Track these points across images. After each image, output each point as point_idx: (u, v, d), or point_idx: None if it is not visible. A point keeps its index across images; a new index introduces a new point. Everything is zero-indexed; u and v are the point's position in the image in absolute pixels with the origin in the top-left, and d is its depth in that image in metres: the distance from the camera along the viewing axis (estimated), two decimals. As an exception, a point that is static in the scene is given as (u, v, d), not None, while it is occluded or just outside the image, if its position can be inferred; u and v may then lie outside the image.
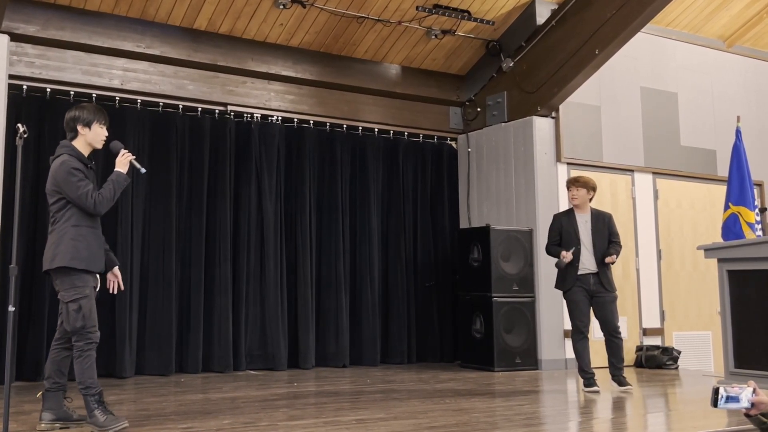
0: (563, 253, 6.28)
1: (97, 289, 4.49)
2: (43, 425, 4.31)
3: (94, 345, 4.29)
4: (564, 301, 6.54)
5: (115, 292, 4.70)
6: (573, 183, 6.53)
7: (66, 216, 4.33)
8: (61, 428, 4.33)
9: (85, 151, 4.49)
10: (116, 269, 4.69)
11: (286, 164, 8.09)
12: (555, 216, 6.69)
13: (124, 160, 4.48)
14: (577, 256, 6.31)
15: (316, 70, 8.15)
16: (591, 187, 6.50)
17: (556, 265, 6.41)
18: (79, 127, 4.45)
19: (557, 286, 6.53)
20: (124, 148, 4.54)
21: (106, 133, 4.54)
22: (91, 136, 4.47)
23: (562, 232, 6.45)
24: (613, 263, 6.34)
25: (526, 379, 7.12)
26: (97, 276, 4.46)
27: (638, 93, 8.98)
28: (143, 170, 4.52)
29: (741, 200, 7.73)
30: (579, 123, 8.46)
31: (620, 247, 6.45)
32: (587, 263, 6.33)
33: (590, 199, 6.51)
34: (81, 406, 4.34)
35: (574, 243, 6.34)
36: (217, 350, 7.42)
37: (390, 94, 8.67)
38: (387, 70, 8.61)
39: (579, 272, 6.31)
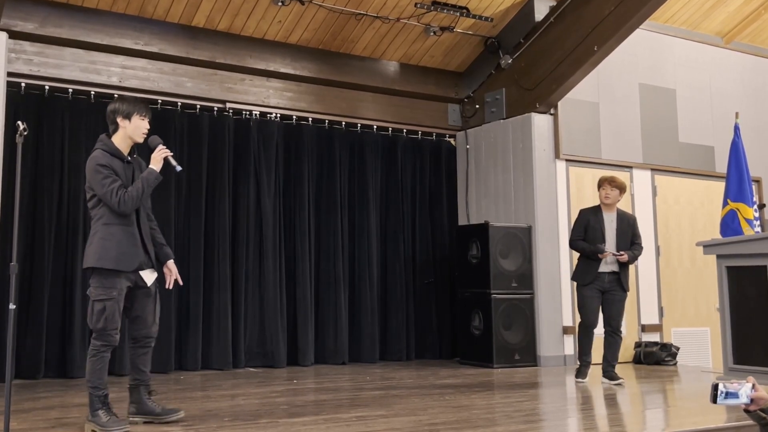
0: (606, 252, 6.35)
1: (150, 285, 4.38)
2: (130, 418, 4.38)
3: (110, 348, 4.26)
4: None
5: (171, 286, 4.58)
6: (610, 182, 6.54)
7: (99, 214, 4.29)
8: (144, 422, 4.38)
9: (125, 145, 4.38)
10: (170, 263, 4.55)
11: (284, 162, 8.09)
12: (582, 211, 6.72)
13: (159, 157, 4.35)
14: (601, 253, 6.38)
15: (315, 67, 8.14)
16: (623, 190, 6.61)
17: (594, 250, 6.40)
18: (119, 120, 4.34)
19: (575, 278, 6.64)
20: (163, 144, 4.40)
21: (147, 126, 4.39)
22: (131, 129, 4.34)
23: (588, 228, 6.51)
24: (624, 261, 6.40)
25: (525, 375, 7.13)
26: (141, 274, 4.34)
27: (636, 89, 8.98)
28: (179, 168, 4.39)
29: (739, 196, 7.73)
30: (577, 120, 8.46)
31: (642, 249, 6.59)
32: (609, 262, 6.42)
33: (618, 201, 6.60)
34: (163, 398, 4.50)
35: (599, 241, 6.44)
36: (216, 348, 7.42)
37: (388, 91, 8.66)
38: (385, 67, 8.61)
39: (600, 269, 6.40)
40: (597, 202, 6.69)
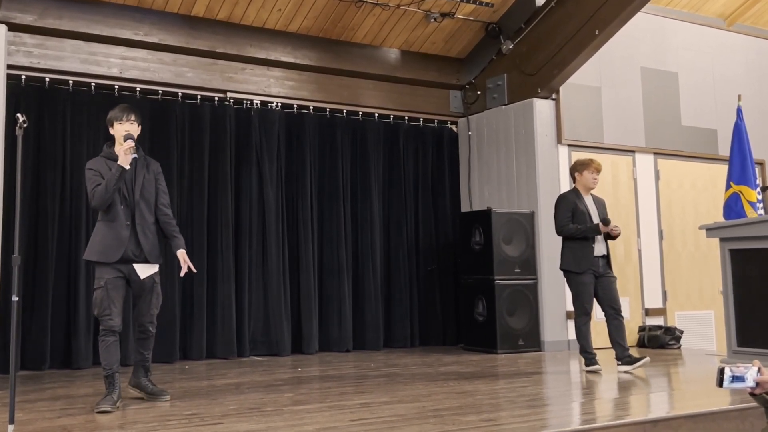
0: (602, 226, 6.22)
1: (143, 278, 4.76)
2: (129, 388, 4.94)
3: (109, 333, 4.65)
4: (565, 282, 6.52)
5: (183, 275, 4.89)
6: (597, 168, 6.41)
7: (97, 213, 4.82)
8: (138, 396, 4.93)
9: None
10: (179, 252, 4.89)
11: (286, 151, 8.08)
12: (564, 196, 6.56)
13: (120, 151, 4.67)
14: (592, 237, 6.28)
15: (315, 55, 8.12)
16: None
17: (596, 227, 6.25)
18: (109, 128, 4.83)
19: (569, 267, 6.37)
20: (131, 140, 4.70)
21: (125, 129, 4.73)
22: (116, 134, 4.78)
23: (576, 212, 6.36)
24: (618, 234, 6.31)
25: (529, 360, 7.14)
26: (135, 267, 4.73)
27: (638, 73, 8.94)
28: (135, 156, 4.75)
29: (742, 179, 7.72)
30: (579, 104, 8.43)
31: None
32: (599, 246, 6.32)
33: None
34: (168, 386, 5.16)
35: (588, 223, 6.32)
36: (221, 337, 7.45)
37: (390, 79, 8.63)
38: (386, 55, 8.58)
39: (595, 254, 6.28)
40: (599, 186, 6.61)
